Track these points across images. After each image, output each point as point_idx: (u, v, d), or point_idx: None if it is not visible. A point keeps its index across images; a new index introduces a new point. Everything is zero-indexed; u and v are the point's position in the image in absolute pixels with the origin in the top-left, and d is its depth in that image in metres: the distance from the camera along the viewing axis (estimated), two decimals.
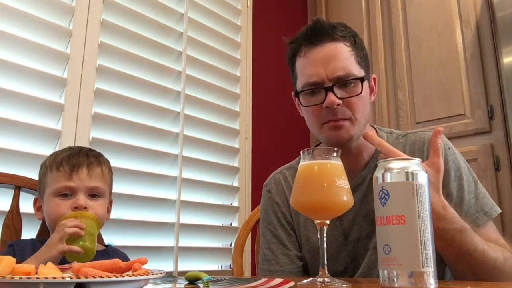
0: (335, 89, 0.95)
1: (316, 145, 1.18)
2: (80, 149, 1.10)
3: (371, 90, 1.06)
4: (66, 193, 1.03)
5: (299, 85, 1.01)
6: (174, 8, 1.96)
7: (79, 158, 1.06)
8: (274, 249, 1.09)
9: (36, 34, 1.48)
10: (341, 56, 0.97)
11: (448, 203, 0.83)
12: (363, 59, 1.02)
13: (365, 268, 0.99)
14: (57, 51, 1.52)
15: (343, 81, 0.95)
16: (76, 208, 1.01)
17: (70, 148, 1.12)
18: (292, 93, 1.10)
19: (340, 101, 0.95)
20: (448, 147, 1.01)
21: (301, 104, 1.02)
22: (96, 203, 1.05)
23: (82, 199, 1.02)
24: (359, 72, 0.98)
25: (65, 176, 1.03)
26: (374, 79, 1.07)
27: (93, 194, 1.06)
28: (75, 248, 0.93)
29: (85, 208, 1.02)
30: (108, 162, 1.15)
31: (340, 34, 0.99)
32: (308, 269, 1.09)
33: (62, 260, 0.93)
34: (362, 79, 0.97)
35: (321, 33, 0.98)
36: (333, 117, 0.96)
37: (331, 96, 0.94)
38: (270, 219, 1.12)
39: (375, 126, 1.10)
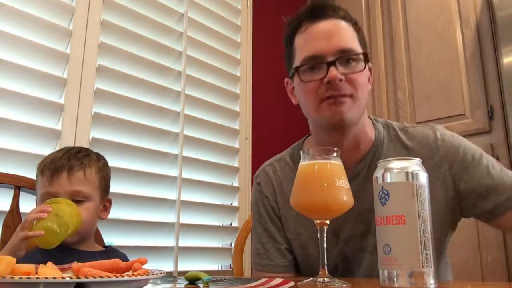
0: (337, 64, 0.91)
1: (307, 136, 1.14)
2: (65, 152, 1.07)
3: (369, 78, 1.01)
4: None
5: (298, 60, 0.96)
6: (174, 8, 1.96)
7: (60, 162, 1.03)
8: (265, 242, 1.07)
9: (36, 34, 1.48)
10: (345, 32, 0.94)
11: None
12: (364, 44, 0.99)
13: (367, 272, 0.97)
14: (57, 51, 1.52)
15: (347, 56, 0.92)
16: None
17: (59, 150, 1.10)
18: (286, 79, 1.06)
19: (342, 76, 0.90)
20: (451, 134, 1.00)
21: (301, 80, 0.95)
22: (79, 208, 1.01)
23: None
24: (361, 50, 0.96)
25: (47, 182, 1.02)
26: (370, 68, 1.02)
27: (78, 199, 1.03)
28: (33, 233, 0.89)
29: None
30: (98, 162, 1.11)
31: (343, 14, 0.97)
32: (298, 264, 1.08)
33: (61, 261, 0.93)
34: (366, 56, 0.94)
35: (325, 9, 0.96)
36: (334, 92, 0.91)
37: (333, 71, 0.90)
38: (260, 212, 1.10)
39: (371, 117, 1.07)
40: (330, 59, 0.91)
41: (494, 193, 0.92)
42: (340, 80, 0.90)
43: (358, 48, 0.95)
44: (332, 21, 0.95)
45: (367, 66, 0.96)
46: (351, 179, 0.98)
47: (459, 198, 0.96)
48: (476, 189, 0.93)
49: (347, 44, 0.93)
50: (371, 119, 1.06)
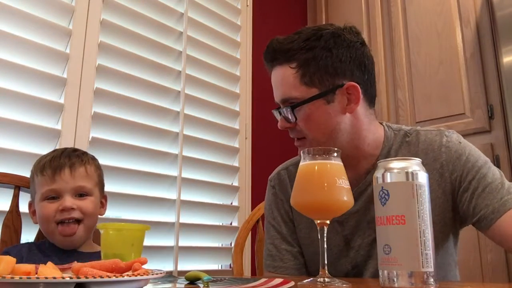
0: (283, 112, 0.98)
1: None
2: (63, 151, 1.10)
3: (350, 100, 0.95)
4: (53, 196, 1.04)
5: None
6: (174, 8, 1.96)
7: (60, 160, 1.06)
8: (278, 245, 1.09)
9: (36, 34, 1.48)
10: (285, 80, 0.97)
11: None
12: (320, 74, 0.94)
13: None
14: (57, 51, 1.52)
15: (286, 106, 0.97)
16: (63, 210, 1.02)
17: (54, 150, 1.13)
18: None
19: (287, 124, 0.99)
20: (459, 141, 0.99)
21: None
22: (84, 202, 1.06)
23: (68, 200, 1.03)
24: (306, 93, 0.94)
25: (49, 179, 1.04)
26: (352, 86, 0.94)
27: (81, 193, 1.06)
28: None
29: (72, 208, 1.03)
30: (94, 160, 1.15)
31: (289, 55, 0.96)
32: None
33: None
34: (296, 105, 0.94)
35: (270, 59, 1.01)
36: (291, 135, 1.02)
37: (279, 121, 1.01)
38: (274, 215, 1.12)
39: (384, 123, 1.05)
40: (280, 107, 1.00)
41: (483, 205, 0.90)
42: (289, 127, 0.99)
43: (299, 92, 0.95)
44: (276, 70, 1.00)
45: (311, 107, 0.94)
46: (362, 190, 0.99)
47: (458, 207, 0.95)
48: (468, 198, 0.93)
49: (285, 94, 0.98)
50: (383, 126, 1.05)
